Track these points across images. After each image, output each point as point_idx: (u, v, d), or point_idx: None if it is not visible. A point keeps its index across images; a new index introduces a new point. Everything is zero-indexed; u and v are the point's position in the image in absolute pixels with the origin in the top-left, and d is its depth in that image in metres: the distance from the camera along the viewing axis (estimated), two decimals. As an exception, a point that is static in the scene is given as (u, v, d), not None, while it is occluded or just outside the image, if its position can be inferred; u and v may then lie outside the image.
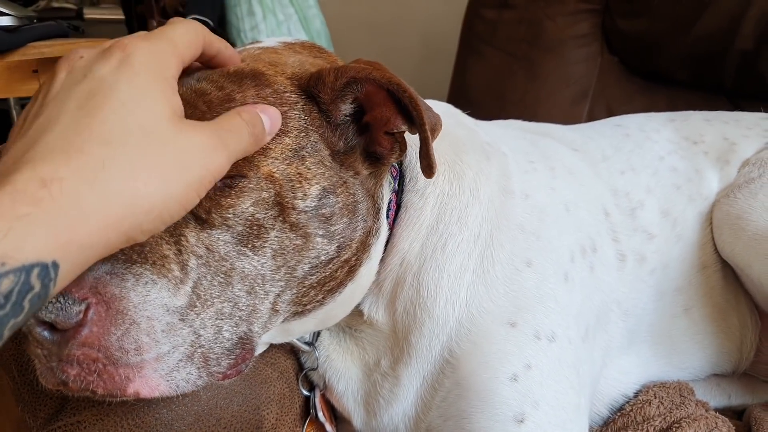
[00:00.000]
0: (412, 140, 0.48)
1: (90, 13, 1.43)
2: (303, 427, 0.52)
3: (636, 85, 1.03)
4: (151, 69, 0.30)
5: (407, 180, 0.47)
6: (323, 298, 0.42)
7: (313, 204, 0.38)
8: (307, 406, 0.53)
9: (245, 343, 0.37)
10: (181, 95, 0.36)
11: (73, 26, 1.15)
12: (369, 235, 0.42)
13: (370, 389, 0.49)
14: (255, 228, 0.36)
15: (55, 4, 1.46)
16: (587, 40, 1.04)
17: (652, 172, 0.62)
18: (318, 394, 0.52)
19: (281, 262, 0.37)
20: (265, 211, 0.36)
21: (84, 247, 0.25)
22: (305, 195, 0.38)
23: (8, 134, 0.30)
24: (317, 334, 0.51)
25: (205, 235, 0.35)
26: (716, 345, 0.62)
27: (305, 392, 0.53)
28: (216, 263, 0.35)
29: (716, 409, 0.59)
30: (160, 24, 1.28)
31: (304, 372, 0.53)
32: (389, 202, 0.46)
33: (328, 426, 0.52)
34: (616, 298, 0.55)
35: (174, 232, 0.34)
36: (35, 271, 0.23)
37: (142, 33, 0.33)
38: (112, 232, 0.26)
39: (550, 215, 0.51)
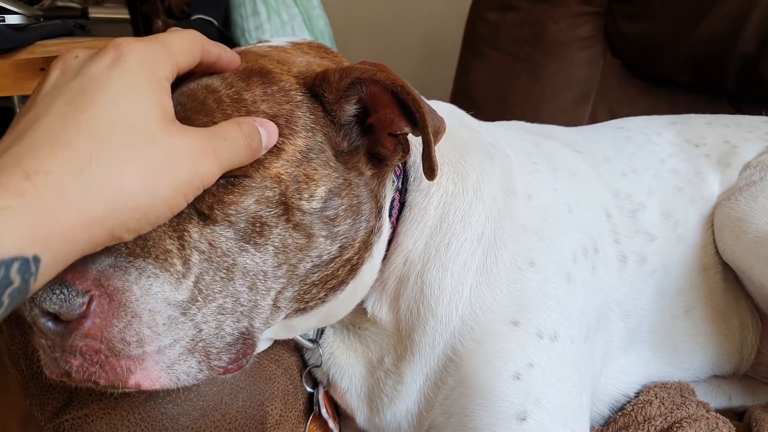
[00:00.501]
0: (416, 140, 0.49)
1: (95, 12, 1.43)
2: (306, 423, 0.52)
3: (638, 88, 1.03)
4: (144, 69, 0.30)
5: (411, 179, 0.48)
6: (325, 295, 0.42)
7: (319, 206, 0.38)
8: (310, 402, 0.54)
9: (246, 338, 0.38)
10: (191, 91, 0.36)
11: (80, 25, 1.15)
12: (371, 234, 0.43)
13: (374, 386, 0.49)
14: (258, 225, 0.36)
15: (60, 3, 1.46)
16: (590, 42, 1.04)
17: (653, 174, 0.62)
18: (321, 391, 0.53)
19: (283, 260, 0.38)
20: (269, 210, 0.36)
21: (67, 241, 0.25)
22: (311, 197, 0.38)
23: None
24: (321, 332, 0.51)
25: (208, 230, 0.35)
26: (717, 346, 0.62)
27: (309, 389, 0.53)
28: (218, 259, 0.35)
29: (717, 410, 0.59)
30: (165, 24, 1.28)
31: (307, 369, 0.53)
32: (392, 201, 0.46)
33: (331, 423, 0.52)
34: (616, 299, 0.56)
35: (177, 227, 0.34)
36: (15, 266, 0.23)
37: (137, 38, 0.33)
38: (96, 228, 0.26)
39: (552, 216, 0.51)
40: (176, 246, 0.34)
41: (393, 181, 0.46)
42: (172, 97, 0.32)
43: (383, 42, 1.82)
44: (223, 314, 0.36)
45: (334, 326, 0.51)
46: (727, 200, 0.60)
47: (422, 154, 0.40)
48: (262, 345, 0.48)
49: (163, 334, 0.33)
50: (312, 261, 0.39)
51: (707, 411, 0.57)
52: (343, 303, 0.45)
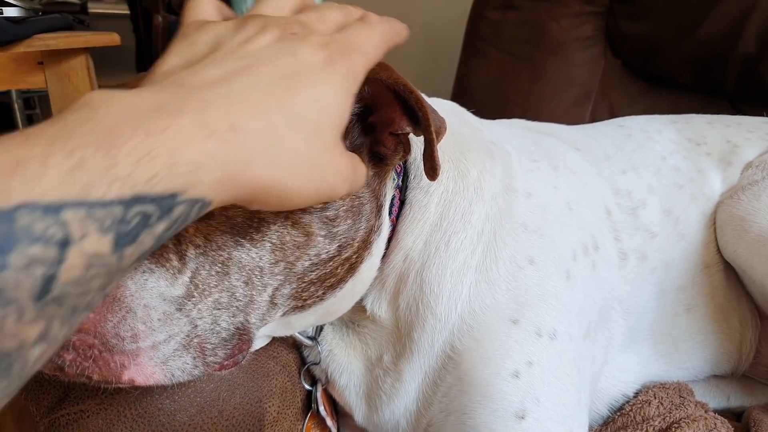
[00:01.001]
0: (417, 138, 0.49)
1: (94, 8, 1.43)
2: (304, 421, 0.52)
3: (638, 88, 1.03)
4: (345, 82, 0.30)
5: (412, 177, 0.48)
6: (323, 293, 0.42)
7: (319, 205, 0.38)
8: (308, 400, 0.53)
9: (242, 334, 0.37)
10: None
11: (79, 20, 1.15)
12: (371, 232, 0.43)
13: (372, 384, 0.49)
14: (255, 221, 0.36)
15: (60, -2, 1.46)
16: (591, 42, 1.04)
17: (654, 171, 0.62)
18: (320, 388, 0.53)
19: (280, 257, 0.37)
20: None
21: (229, 201, 0.26)
22: None
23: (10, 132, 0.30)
24: (320, 329, 0.51)
25: (204, 224, 0.35)
26: (717, 345, 0.62)
27: (307, 386, 0.53)
28: (213, 252, 0.35)
29: (715, 411, 0.59)
30: (165, 19, 1.28)
31: (306, 366, 0.53)
32: (392, 199, 0.46)
33: (329, 420, 0.52)
34: (617, 296, 0.56)
35: None
36: (198, 204, 0.25)
37: (346, 40, 0.32)
38: (249, 197, 0.27)
39: (552, 213, 0.51)
40: (172, 241, 0.34)
41: (393, 179, 0.46)
42: None
43: (383, 41, 1.81)
44: (218, 309, 0.35)
45: (333, 323, 0.51)
46: (729, 199, 0.60)
47: (424, 153, 0.40)
48: (259, 342, 0.47)
49: (158, 330, 0.32)
50: (310, 259, 0.39)
51: (706, 411, 0.57)
52: (341, 301, 0.44)
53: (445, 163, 0.48)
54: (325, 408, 0.52)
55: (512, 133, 0.60)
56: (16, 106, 2.03)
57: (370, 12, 0.39)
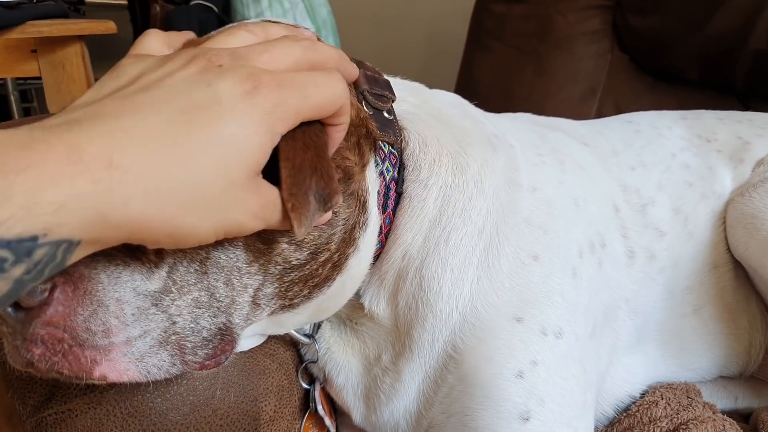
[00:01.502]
0: (417, 129, 0.47)
1: (92, -3, 1.41)
2: (302, 420, 0.51)
3: (645, 83, 1.01)
4: (268, 118, 0.28)
5: (410, 169, 0.46)
6: (309, 293, 0.40)
7: None
8: (306, 399, 0.52)
9: (225, 334, 0.36)
10: None
11: (75, 8, 1.13)
12: (354, 229, 0.41)
13: (371, 384, 0.47)
14: None
15: (58, -12, 1.44)
16: (597, 36, 1.02)
17: (663, 168, 0.60)
18: (318, 387, 0.51)
19: (253, 257, 0.36)
20: None
21: (107, 237, 0.25)
22: None
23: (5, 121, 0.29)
24: (317, 326, 0.49)
25: None
26: (725, 346, 0.61)
27: (305, 385, 0.52)
28: (192, 250, 0.33)
29: (723, 412, 0.58)
30: (163, 8, 1.26)
31: (304, 364, 0.52)
32: (387, 191, 0.44)
33: (327, 420, 0.51)
34: (624, 296, 0.54)
35: None
36: (64, 246, 0.24)
37: (282, 75, 0.30)
38: (136, 235, 0.26)
39: (558, 209, 0.50)
40: None
41: (377, 165, 0.43)
42: None
43: (387, 35, 1.80)
44: (199, 308, 0.34)
45: (331, 321, 0.49)
46: (740, 196, 0.59)
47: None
48: (254, 340, 0.46)
49: (131, 325, 0.31)
50: (280, 264, 0.37)
51: (714, 413, 0.56)
52: (332, 298, 0.43)
53: (443, 156, 0.46)
54: (323, 407, 0.51)
55: (517, 126, 0.58)
56: (12, 98, 2.01)
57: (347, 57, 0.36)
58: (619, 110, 0.98)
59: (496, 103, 1.04)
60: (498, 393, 0.42)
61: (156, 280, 0.32)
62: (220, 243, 0.34)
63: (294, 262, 0.38)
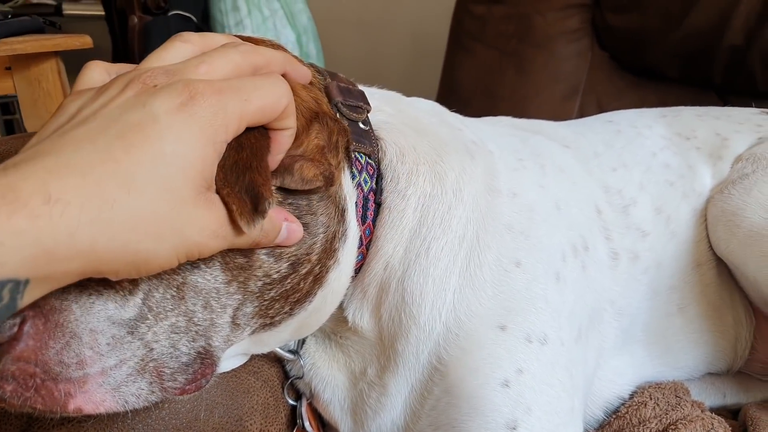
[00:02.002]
0: (393, 139, 0.47)
1: (69, 9, 1.39)
2: (289, 437, 0.50)
3: (626, 81, 1.02)
4: (207, 127, 0.28)
5: (388, 179, 0.45)
6: (291, 309, 0.39)
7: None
8: (293, 415, 0.51)
9: (204, 357, 0.35)
10: None
11: (50, 22, 1.11)
12: (334, 240, 0.40)
13: (357, 399, 0.47)
14: None
15: (34, 0, 1.42)
16: (577, 35, 1.03)
17: (644, 168, 0.61)
18: (304, 403, 0.51)
19: (231, 276, 0.35)
20: None
21: (59, 273, 0.25)
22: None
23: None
24: (302, 342, 0.49)
25: None
26: (711, 343, 0.61)
27: (291, 401, 0.51)
28: (167, 275, 0.33)
29: (711, 409, 0.58)
30: (141, 20, 1.24)
31: (289, 380, 0.51)
32: (366, 201, 0.44)
33: (314, 435, 0.50)
34: (609, 298, 0.54)
35: None
36: (9, 286, 0.23)
37: (219, 82, 0.29)
38: (90, 268, 0.26)
39: (539, 214, 0.49)
40: None
41: (354, 176, 0.43)
42: None
43: (369, 38, 1.79)
44: (177, 333, 0.33)
45: (316, 336, 0.49)
46: (720, 194, 0.59)
47: None
48: (237, 360, 0.45)
49: (106, 355, 0.31)
50: (261, 279, 0.36)
51: (702, 411, 0.56)
52: (314, 314, 0.42)
53: (421, 165, 0.46)
54: (310, 423, 0.50)
55: (498, 131, 0.58)
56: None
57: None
58: (600, 108, 0.99)
59: (478, 104, 1.04)
60: (484, 404, 0.42)
61: (131, 307, 0.31)
62: (196, 265, 0.33)
63: (275, 276, 0.37)
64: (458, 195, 0.46)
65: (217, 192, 0.30)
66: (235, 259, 0.35)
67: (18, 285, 0.24)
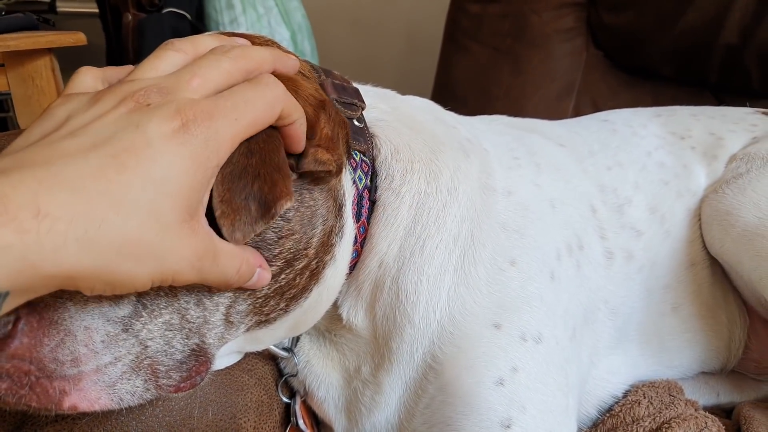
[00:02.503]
0: (388, 136, 0.47)
1: (63, 6, 1.38)
2: (283, 435, 0.50)
3: (621, 80, 1.02)
4: (197, 156, 0.28)
5: (382, 177, 0.45)
6: (286, 306, 0.39)
7: None
8: (287, 413, 0.51)
9: (199, 355, 0.35)
10: None
11: (44, 19, 1.10)
12: (331, 234, 0.40)
13: (351, 397, 0.47)
14: None
15: (27, -3, 1.41)
16: (572, 34, 1.03)
17: (639, 167, 0.61)
18: (298, 400, 0.50)
19: None
20: None
21: (39, 285, 0.25)
22: None
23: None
24: (296, 339, 0.49)
25: None
26: (705, 343, 0.61)
27: (285, 399, 0.51)
28: None
29: (705, 408, 0.58)
30: (135, 17, 1.23)
31: (283, 378, 0.51)
32: (361, 199, 0.44)
33: (308, 434, 0.50)
34: (603, 297, 0.54)
35: None
36: None
37: (210, 103, 0.29)
38: (70, 282, 0.26)
39: (534, 212, 0.49)
40: None
41: (361, 178, 0.43)
42: None
43: (364, 36, 1.79)
44: (171, 330, 0.33)
45: (310, 333, 0.49)
46: (714, 193, 0.59)
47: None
48: (232, 358, 0.45)
49: (101, 352, 0.30)
50: None
51: (696, 410, 0.56)
52: (309, 311, 0.42)
53: (416, 163, 0.46)
54: (304, 421, 0.50)
55: (492, 129, 0.58)
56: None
57: (287, 56, 0.35)
58: (596, 107, 0.99)
59: (474, 103, 1.04)
60: (479, 402, 0.42)
61: (125, 305, 0.31)
62: None
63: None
64: (453, 193, 0.46)
65: (215, 198, 0.30)
66: None
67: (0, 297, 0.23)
